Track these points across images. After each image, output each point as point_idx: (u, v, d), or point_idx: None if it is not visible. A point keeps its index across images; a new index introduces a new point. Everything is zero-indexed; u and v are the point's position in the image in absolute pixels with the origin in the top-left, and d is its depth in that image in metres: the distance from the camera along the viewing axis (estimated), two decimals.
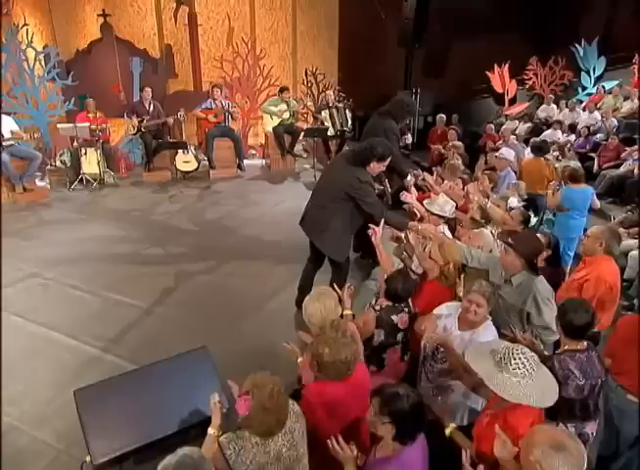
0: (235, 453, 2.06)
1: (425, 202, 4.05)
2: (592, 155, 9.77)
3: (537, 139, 10.16)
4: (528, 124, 12.10)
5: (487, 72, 13.76)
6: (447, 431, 2.45)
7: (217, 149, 8.77)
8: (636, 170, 8.58)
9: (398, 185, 5.00)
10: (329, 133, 9.11)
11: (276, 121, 9.06)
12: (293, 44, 11.10)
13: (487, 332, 2.89)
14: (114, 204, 7.32)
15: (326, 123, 9.19)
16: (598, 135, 10.51)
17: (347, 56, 12.30)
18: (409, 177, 4.69)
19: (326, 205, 3.91)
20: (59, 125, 7.89)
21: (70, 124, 7.82)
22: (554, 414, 2.36)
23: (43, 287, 4.86)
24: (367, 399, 2.52)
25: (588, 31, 13.17)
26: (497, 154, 6.61)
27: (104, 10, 9.26)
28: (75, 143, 7.92)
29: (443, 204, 3.96)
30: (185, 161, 8.49)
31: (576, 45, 13.18)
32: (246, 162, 9.19)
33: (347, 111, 9.50)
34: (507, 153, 6.72)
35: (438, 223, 3.90)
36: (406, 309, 3.19)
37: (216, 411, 2.27)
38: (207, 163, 8.74)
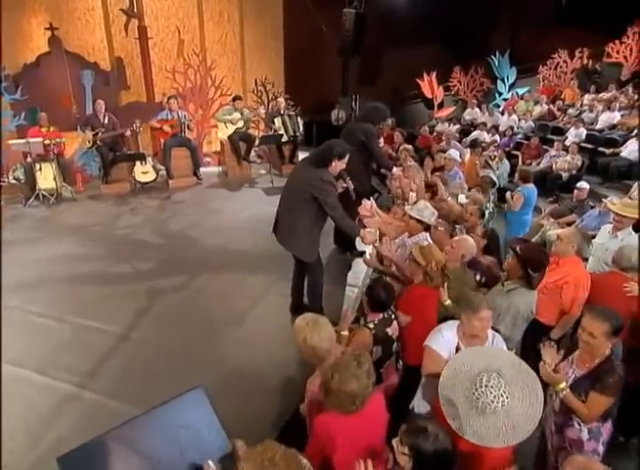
0: None
1: (406, 207, 3.75)
2: (515, 152, 9.94)
3: (468, 139, 10.30)
4: (457, 126, 12.20)
5: (417, 80, 13.81)
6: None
7: (174, 159, 8.06)
8: (554, 166, 8.77)
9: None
10: (283, 139, 8.66)
11: (231, 130, 8.46)
12: (241, 55, 10.49)
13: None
14: (74, 219, 6.47)
15: (279, 131, 8.73)
16: (518, 136, 10.71)
17: (292, 66, 11.86)
18: (394, 169, 4.75)
19: (292, 208, 3.71)
20: (10, 142, 6.91)
21: (23, 140, 6.86)
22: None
23: (4, 317, 4.10)
24: (382, 432, 2.18)
25: (497, 45, 13.57)
26: (446, 155, 6.54)
27: (51, 24, 8.22)
28: (29, 158, 6.97)
29: (423, 208, 3.65)
30: (143, 171, 7.73)
31: (492, 56, 13.50)
32: (202, 170, 8.55)
33: (299, 118, 9.06)
34: (454, 154, 6.66)
35: (419, 229, 3.61)
36: (393, 316, 2.90)
37: None
38: (166, 173, 8.03)
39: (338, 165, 3.68)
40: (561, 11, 12.30)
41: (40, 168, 6.96)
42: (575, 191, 7.04)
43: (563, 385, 2.32)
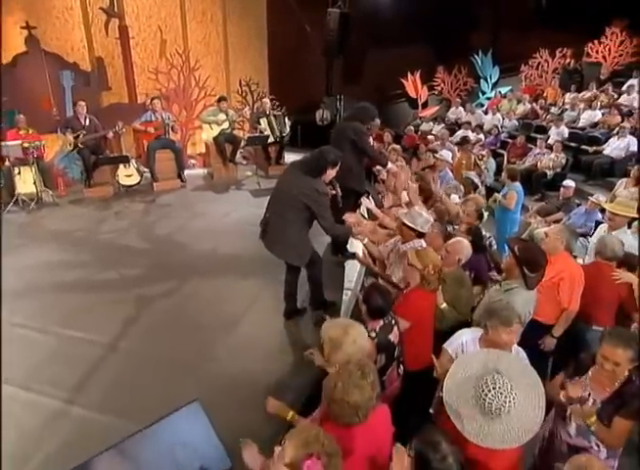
0: None
1: (399, 212, 3.67)
2: (501, 151, 10.01)
3: (453, 138, 10.30)
4: (442, 125, 12.24)
5: (401, 79, 13.83)
6: None
7: (158, 161, 7.86)
8: (539, 164, 8.85)
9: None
10: (270, 140, 8.53)
11: (216, 131, 8.31)
12: (225, 55, 10.31)
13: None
14: (56, 224, 6.24)
15: (265, 131, 8.60)
16: (503, 134, 10.79)
17: (276, 66, 11.74)
18: (390, 165, 4.71)
19: (282, 214, 3.61)
20: None
21: (1, 143, 6.60)
22: None
23: None
24: (386, 446, 2.10)
25: (479, 45, 13.69)
26: (437, 155, 6.53)
27: (27, 22, 7.93)
28: (7, 162, 6.71)
29: (416, 216, 3.56)
30: (127, 174, 7.52)
31: (475, 56, 13.59)
32: (187, 172, 8.37)
33: (286, 118, 8.94)
34: (446, 154, 6.67)
35: (412, 236, 3.53)
36: (393, 322, 2.82)
37: None
38: (150, 175, 7.84)
39: (330, 174, 3.64)
40: (541, 12, 12.44)
41: (19, 172, 6.70)
42: (562, 189, 7.10)
43: (594, 418, 2.20)
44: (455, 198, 4.65)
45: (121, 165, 7.40)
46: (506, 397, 1.85)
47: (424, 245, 3.50)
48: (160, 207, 7.08)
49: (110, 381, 3.29)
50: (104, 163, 7.42)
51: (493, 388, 1.87)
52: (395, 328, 2.83)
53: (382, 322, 2.77)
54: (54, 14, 8.03)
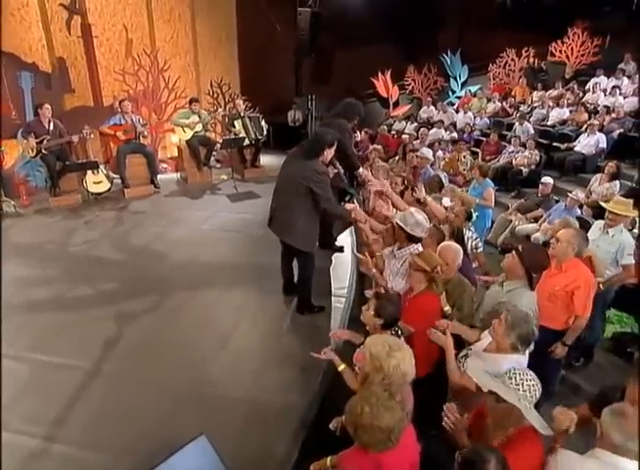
0: None
1: (397, 215, 3.49)
2: (475, 149, 10.05)
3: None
4: (415, 124, 12.25)
5: (372, 79, 13.76)
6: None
7: (129, 166, 7.44)
8: (514, 162, 8.92)
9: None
10: (245, 143, 8.24)
11: (189, 134, 7.96)
12: (194, 55, 9.90)
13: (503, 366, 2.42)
14: (21, 237, 5.74)
15: (241, 134, 8.30)
16: (475, 132, 10.86)
17: (247, 66, 11.43)
18: (361, 170, 4.63)
19: (291, 203, 3.67)
20: None
21: None
22: None
23: None
24: (416, 466, 1.95)
25: (448, 44, 13.79)
26: (418, 153, 6.48)
27: None
28: None
29: (416, 222, 3.40)
30: (96, 181, 7.05)
31: (444, 55, 13.67)
32: (159, 177, 7.97)
33: (262, 120, 8.66)
34: (427, 152, 6.64)
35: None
36: (400, 331, 2.67)
37: None
38: (121, 181, 7.40)
39: (329, 154, 3.72)
40: (506, 12, 12.61)
41: None
42: (540, 186, 7.16)
43: None
44: (447, 201, 4.51)
45: (90, 172, 6.93)
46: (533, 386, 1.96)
47: (420, 248, 3.36)
48: (134, 214, 6.68)
49: (93, 411, 2.96)
50: (71, 169, 6.94)
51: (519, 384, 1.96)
52: (402, 338, 2.68)
53: (388, 332, 2.63)
54: (9, 11, 7.43)
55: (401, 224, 3.36)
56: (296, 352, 3.59)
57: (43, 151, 6.64)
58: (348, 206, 3.92)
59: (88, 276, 4.75)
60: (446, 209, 4.32)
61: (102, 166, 7.12)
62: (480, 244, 4.19)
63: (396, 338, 2.45)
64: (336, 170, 4.06)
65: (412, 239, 3.29)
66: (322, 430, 2.69)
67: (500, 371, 2.30)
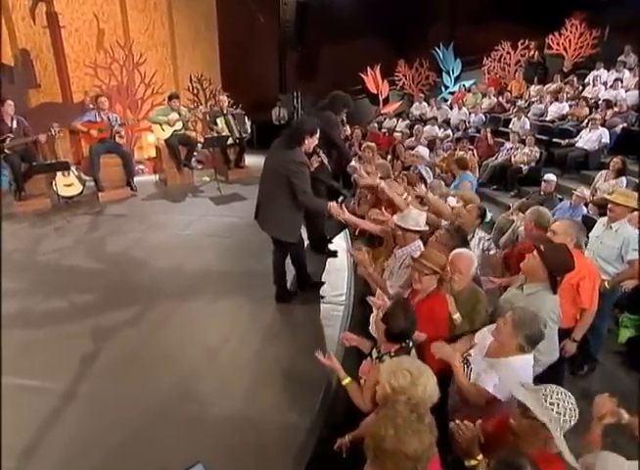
0: None
1: (394, 217, 3.44)
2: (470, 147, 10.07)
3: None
4: (406, 122, 12.26)
5: (361, 74, 13.75)
6: None
7: (104, 167, 7.26)
8: (513, 159, 8.96)
9: None
10: (229, 141, 8.11)
11: (168, 132, 7.79)
12: (172, 48, 9.74)
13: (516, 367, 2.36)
14: None
15: (224, 132, 8.17)
16: (470, 129, 10.90)
17: (229, 60, 11.30)
18: (353, 162, 4.81)
19: (272, 194, 3.81)
20: None
21: None
22: None
23: None
24: None
25: (440, 37, 13.87)
26: (413, 152, 6.47)
27: None
28: None
29: (417, 216, 3.35)
30: (67, 184, 6.84)
31: (436, 49, 13.73)
32: (136, 179, 7.80)
33: (246, 117, 8.54)
34: (422, 150, 6.62)
35: (414, 238, 3.32)
36: (411, 344, 2.57)
37: None
38: (94, 184, 7.21)
39: (310, 142, 3.78)
40: (500, 2, 12.72)
41: None
42: (543, 184, 7.16)
43: None
44: (453, 200, 4.47)
45: (59, 174, 6.72)
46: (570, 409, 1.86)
47: (421, 246, 3.32)
48: (110, 219, 6.49)
49: (68, 439, 2.78)
50: (39, 171, 6.71)
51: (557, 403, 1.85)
52: (413, 350, 2.59)
53: (398, 345, 2.53)
54: None
55: (400, 223, 3.36)
56: (292, 365, 3.48)
57: (6, 151, 6.42)
58: (331, 203, 3.88)
59: (60, 288, 4.57)
60: (452, 208, 4.30)
61: (73, 168, 6.92)
62: (492, 245, 4.13)
63: (410, 359, 2.33)
64: (320, 159, 4.15)
65: (411, 236, 3.29)
66: (326, 452, 2.58)
67: (516, 374, 2.26)
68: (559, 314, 2.80)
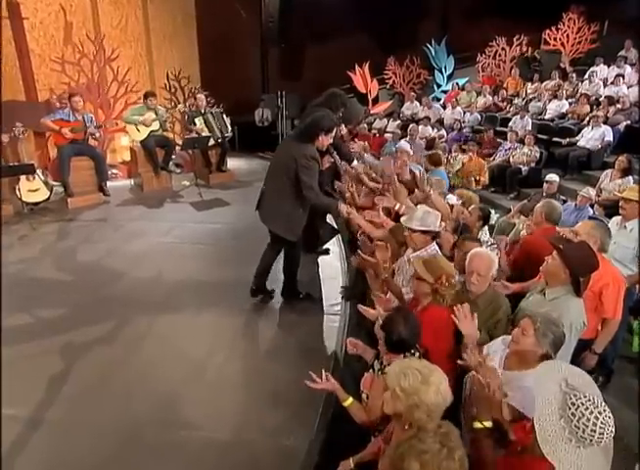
0: None
1: (402, 219, 3.35)
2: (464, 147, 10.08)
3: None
4: (397, 122, 12.27)
5: (349, 72, 13.73)
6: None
7: (74, 171, 7.11)
8: (512, 159, 8.98)
9: None
10: (211, 142, 8.00)
11: (144, 133, 7.66)
12: (147, 43, 9.62)
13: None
14: None
15: (203, 132, 8.06)
16: (465, 129, 10.94)
17: (209, 57, 11.21)
18: (355, 162, 4.86)
19: (279, 187, 3.85)
20: None
21: None
22: None
23: None
24: None
25: (431, 33, 13.97)
26: (396, 147, 6.44)
27: None
28: None
29: (425, 216, 3.26)
30: (31, 189, 6.66)
31: (428, 45, 13.79)
32: (109, 184, 7.64)
33: (224, 115, 8.45)
34: (404, 145, 6.61)
35: (427, 241, 3.22)
36: (417, 354, 2.46)
37: None
38: (63, 189, 7.03)
39: (324, 140, 3.81)
40: None
41: None
42: (545, 185, 7.16)
43: None
44: (453, 198, 4.43)
45: (23, 178, 6.53)
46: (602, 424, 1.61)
47: (437, 249, 3.22)
48: (80, 227, 6.32)
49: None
50: (0, 174, 6.50)
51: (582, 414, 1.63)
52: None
53: (402, 356, 2.42)
54: None
55: (409, 225, 3.26)
56: (286, 382, 3.34)
57: None
58: (342, 206, 3.92)
59: (26, 302, 4.39)
60: (451, 207, 4.26)
61: (39, 172, 6.73)
62: (496, 249, 4.07)
63: (418, 360, 2.23)
64: (332, 160, 4.23)
65: (419, 237, 3.21)
66: None
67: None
68: (584, 321, 2.70)
